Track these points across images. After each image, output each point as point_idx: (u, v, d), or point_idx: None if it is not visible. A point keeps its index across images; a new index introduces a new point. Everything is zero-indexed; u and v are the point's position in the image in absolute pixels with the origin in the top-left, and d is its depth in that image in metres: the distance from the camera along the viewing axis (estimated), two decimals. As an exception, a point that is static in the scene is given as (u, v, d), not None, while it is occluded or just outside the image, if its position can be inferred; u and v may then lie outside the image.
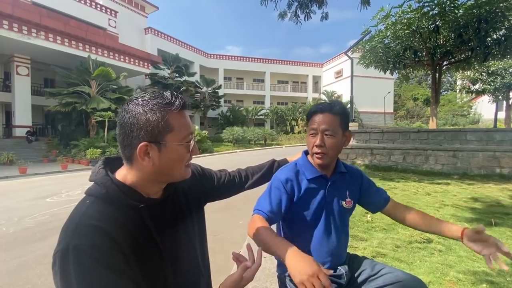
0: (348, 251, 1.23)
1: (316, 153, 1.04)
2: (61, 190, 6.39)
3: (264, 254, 1.05)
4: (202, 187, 0.97)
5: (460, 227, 0.94)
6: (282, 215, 1.04)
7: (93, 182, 0.68)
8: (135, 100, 0.67)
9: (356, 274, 1.09)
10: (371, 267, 1.07)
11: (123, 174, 0.69)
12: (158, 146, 0.66)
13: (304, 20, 5.24)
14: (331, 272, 0.79)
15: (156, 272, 0.68)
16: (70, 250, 0.56)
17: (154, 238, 0.68)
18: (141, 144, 0.64)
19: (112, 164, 0.73)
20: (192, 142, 0.71)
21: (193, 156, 0.74)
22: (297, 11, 5.17)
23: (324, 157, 1.03)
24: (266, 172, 1.22)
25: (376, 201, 1.17)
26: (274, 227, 1.17)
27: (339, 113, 1.03)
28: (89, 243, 0.57)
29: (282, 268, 1.16)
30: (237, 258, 0.77)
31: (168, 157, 0.67)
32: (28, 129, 14.25)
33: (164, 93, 0.69)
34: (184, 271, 0.76)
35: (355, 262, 1.14)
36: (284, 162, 1.27)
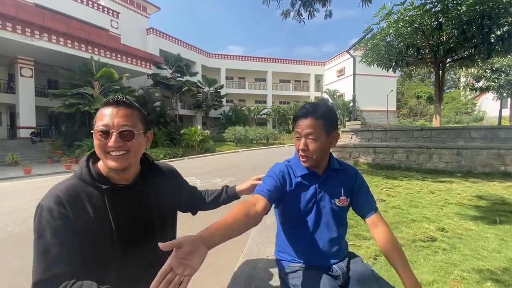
0: (351, 250, 1.22)
1: (301, 156, 1.07)
2: (65, 190, 6.43)
3: (268, 253, 1.05)
4: (179, 190, 1.12)
5: (411, 283, 0.92)
6: (277, 197, 1.06)
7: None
8: None
9: (351, 278, 1.06)
10: (364, 277, 1.03)
11: (101, 163, 0.88)
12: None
13: (308, 18, 5.19)
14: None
15: (105, 247, 0.82)
16: (39, 207, 0.79)
17: (108, 214, 0.83)
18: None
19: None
20: (97, 130, 0.84)
21: (113, 146, 0.84)
22: (300, 10, 5.13)
23: (309, 160, 1.06)
24: (218, 195, 1.32)
25: (361, 205, 1.13)
26: (273, 221, 1.19)
27: (322, 116, 1.03)
28: (47, 205, 0.78)
29: (282, 266, 1.16)
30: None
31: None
32: (32, 130, 14.37)
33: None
34: (137, 255, 0.87)
35: (353, 265, 1.11)
36: (232, 189, 1.34)
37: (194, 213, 1.30)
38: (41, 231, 0.75)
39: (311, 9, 5.07)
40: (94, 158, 0.90)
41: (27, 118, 14.17)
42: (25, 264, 2.68)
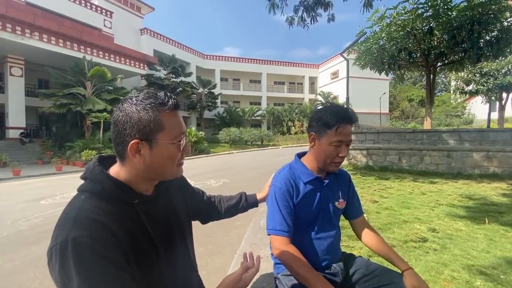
0: (344, 250, 1.25)
1: (338, 162, 1.07)
2: (56, 192, 6.31)
3: (262, 254, 1.05)
4: (189, 197, 1.00)
5: (405, 265, 0.99)
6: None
7: (85, 179, 0.69)
8: (129, 100, 0.68)
9: (351, 273, 1.11)
10: (365, 267, 1.09)
11: (116, 171, 0.70)
12: (150, 144, 0.67)
13: (311, 23, 5.31)
14: None
15: (153, 267, 0.70)
16: (69, 242, 0.55)
17: (149, 234, 0.70)
18: (132, 142, 0.65)
19: (105, 162, 0.74)
20: (183, 141, 0.72)
21: (185, 155, 0.76)
22: (304, 15, 5.23)
23: (339, 165, 1.09)
24: (236, 203, 1.24)
25: (352, 209, 1.22)
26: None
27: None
28: (89, 235, 0.57)
29: (279, 268, 1.17)
30: (244, 259, 0.85)
31: (160, 155, 0.68)
32: (22, 130, 14.05)
33: (158, 93, 0.69)
34: (178, 266, 0.79)
35: (350, 261, 1.16)
36: (252, 197, 1.29)
37: (204, 222, 1.18)
38: (95, 272, 0.55)
39: (313, 14, 5.17)
40: (102, 165, 0.72)
41: (16, 118, 13.86)
42: (13, 268, 2.62)
